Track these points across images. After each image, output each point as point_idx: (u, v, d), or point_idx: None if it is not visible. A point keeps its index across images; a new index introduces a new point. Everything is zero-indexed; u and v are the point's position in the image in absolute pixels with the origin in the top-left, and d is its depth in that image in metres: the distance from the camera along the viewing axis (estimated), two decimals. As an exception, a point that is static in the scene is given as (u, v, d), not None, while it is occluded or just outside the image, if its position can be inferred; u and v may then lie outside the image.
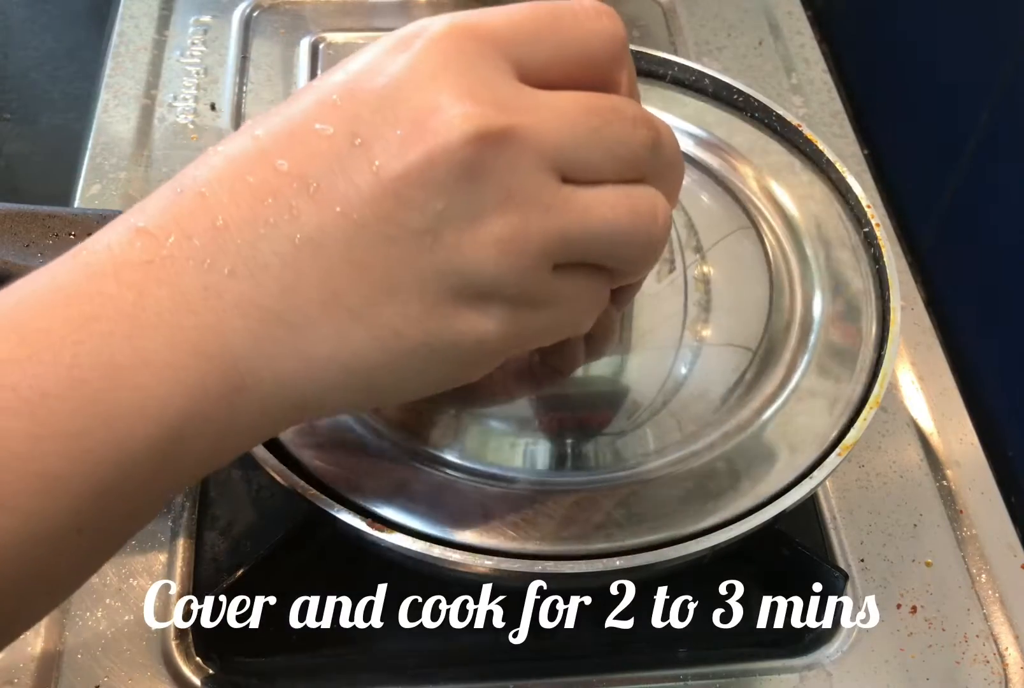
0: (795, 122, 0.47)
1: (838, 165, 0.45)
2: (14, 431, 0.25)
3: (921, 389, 0.55)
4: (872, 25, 0.73)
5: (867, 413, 0.39)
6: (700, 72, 0.48)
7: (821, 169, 0.47)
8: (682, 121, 0.49)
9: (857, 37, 0.75)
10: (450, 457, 0.39)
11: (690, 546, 0.36)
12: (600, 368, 0.40)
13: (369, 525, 0.36)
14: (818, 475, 0.38)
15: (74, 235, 0.43)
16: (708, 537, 0.36)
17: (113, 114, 0.66)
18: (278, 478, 0.37)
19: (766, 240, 0.44)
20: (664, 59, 0.49)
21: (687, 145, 0.48)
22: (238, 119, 0.67)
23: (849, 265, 0.44)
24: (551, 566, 0.35)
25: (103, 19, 0.74)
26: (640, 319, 0.41)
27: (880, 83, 0.71)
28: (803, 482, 0.38)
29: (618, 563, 0.35)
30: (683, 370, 0.40)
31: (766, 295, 0.42)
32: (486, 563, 0.36)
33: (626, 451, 0.39)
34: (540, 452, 0.39)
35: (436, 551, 0.35)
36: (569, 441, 0.39)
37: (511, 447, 0.39)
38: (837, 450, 0.38)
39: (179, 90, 0.68)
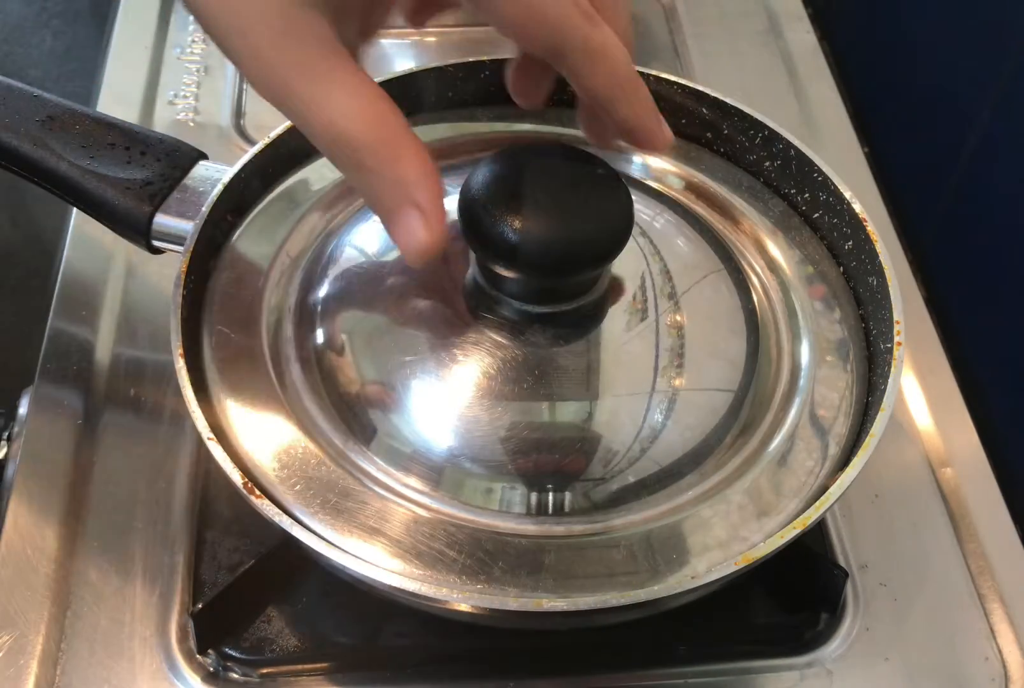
0: (788, 137, 0.46)
1: (833, 179, 0.44)
2: None
3: (921, 389, 0.55)
4: (872, 25, 0.73)
5: (879, 423, 0.38)
6: (699, 91, 0.47)
7: (813, 222, 0.46)
8: (673, 165, 0.48)
9: (857, 37, 0.75)
10: (414, 494, 0.38)
11: (712, 573, 0.34)
12: (567, 414, 0.39)
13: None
14: (835, 492, 0.37)
15: (128, 148, 0.46)
16: (730, 563, 0.35)
17: (113, 113, 0.66)
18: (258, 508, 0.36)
19: (754, 294, 0.43)
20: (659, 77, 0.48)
21: (677, 190, 0.47)
22: (238, 118, 0.67)
23: (835, 321, 0.43)
24: (554, 605, 0.34)
25: (103, 18, 0.74)
26: (610, 368, 0.39)
27: (880, 83, 0.71)
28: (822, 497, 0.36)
29: (613, 602, 0.34)
30: (658, 418, 0.39)
31: (749, 351, 0.41)
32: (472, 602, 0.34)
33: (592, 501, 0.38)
34: (516, 496, 0.38)
35: (427, 589, 0.34)
36: (538, 487, 0.38)
37: (486, 490, 0.38)
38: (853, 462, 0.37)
39: (179, 88, 0.68)
